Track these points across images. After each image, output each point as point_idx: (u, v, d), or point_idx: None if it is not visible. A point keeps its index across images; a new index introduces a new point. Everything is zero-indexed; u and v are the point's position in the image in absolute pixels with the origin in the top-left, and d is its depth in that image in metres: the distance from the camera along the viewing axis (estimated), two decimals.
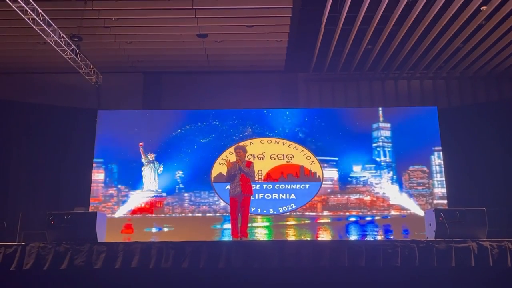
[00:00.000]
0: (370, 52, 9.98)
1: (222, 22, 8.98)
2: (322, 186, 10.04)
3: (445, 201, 9.89)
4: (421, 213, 9.74)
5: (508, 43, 9.33)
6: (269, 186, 10.02)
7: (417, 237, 9.39)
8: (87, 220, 5.30)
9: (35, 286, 4.96)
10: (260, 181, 9.99)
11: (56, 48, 8.50)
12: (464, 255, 4.82)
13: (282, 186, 10.02)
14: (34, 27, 7.79)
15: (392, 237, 9.69)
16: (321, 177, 10.09)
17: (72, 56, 8.86)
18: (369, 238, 9.73)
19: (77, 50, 8.87)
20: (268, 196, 9.97)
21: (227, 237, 9.32)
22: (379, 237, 9.73)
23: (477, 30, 8.90)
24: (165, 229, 9.87)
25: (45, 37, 8.12)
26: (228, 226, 9.44)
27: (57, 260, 4.81)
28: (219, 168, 9.94)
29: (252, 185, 6.61)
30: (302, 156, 10.19)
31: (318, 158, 10.16)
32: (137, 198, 10.03)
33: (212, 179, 10.06)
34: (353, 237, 9.74)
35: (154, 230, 9.86)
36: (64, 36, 8.44)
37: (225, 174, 6.62)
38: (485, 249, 4.86)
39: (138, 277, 4.88)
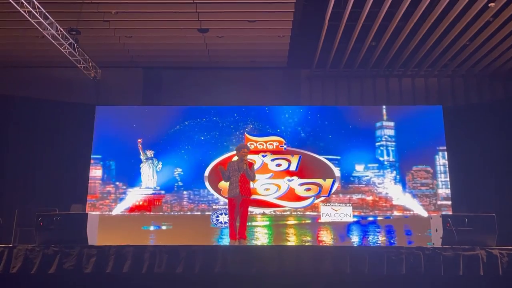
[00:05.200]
0: (374, 49, 9.76)
1: (223, 17, 8.78)
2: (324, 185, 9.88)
3: (449, 202, 9.74)
4: (424, 214, 9.61)
5: None
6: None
7: (419, 238, 9.24)
8: (78, 221, 5.10)
9: None
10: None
11: (53, 41, 8.32)
12: (473, 263, 4.62)
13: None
14: (31, 20, 7.61)
15: (394, 238, 9.52)
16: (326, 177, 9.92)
17: (70, 50, 8.69)
18: (370, 238, 9.55)
19: (75, 44, 8.71)
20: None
21: (226, 237, 9.14)
22: (381, 238, 9.55)
23: (484, 27, 8.71)
24: (163, 227, 9.72)
25: (42, 30, 7.95)
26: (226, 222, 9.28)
27: (45, 264, 4.63)
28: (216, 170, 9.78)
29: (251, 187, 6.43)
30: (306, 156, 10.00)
31: (321, 157, 9.97)
32: (135, 196, 9.87)
33: (209, 179, 9.86)
34: (355, 237, 9.55)
35: (152, 228, 9.71)
36: (62, 29, 8.26)
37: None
38: (494, 257, 4.67)
39: (130, 282, 4.69)
